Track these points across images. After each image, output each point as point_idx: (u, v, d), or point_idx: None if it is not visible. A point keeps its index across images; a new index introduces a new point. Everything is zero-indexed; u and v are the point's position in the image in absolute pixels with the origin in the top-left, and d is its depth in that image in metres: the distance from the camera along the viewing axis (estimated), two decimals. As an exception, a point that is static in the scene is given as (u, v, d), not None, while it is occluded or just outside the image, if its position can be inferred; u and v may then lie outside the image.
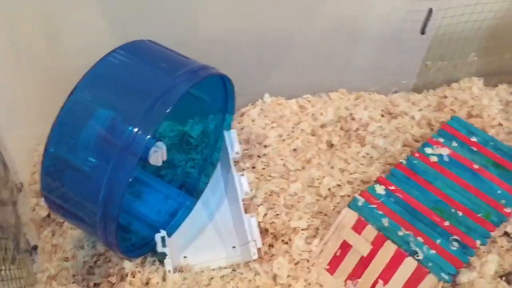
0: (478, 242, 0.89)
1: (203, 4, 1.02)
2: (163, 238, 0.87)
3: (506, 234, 0.96)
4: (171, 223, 0.98)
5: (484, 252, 0.92)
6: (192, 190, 1.04)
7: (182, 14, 1.02)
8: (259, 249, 0.90)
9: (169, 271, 0.86)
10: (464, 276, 0.88)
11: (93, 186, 0.72)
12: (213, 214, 0.99)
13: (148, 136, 0.71)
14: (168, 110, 0.72)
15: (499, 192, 0.97)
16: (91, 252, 0.93)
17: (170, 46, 0.85)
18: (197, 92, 0.96)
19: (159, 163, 0.83)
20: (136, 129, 0.71)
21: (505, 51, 1.29)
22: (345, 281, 0.90)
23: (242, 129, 1.13)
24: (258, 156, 1.08)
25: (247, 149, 1.09)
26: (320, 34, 1.14)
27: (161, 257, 0.88)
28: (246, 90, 1.14)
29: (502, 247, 0.96)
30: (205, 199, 1.01)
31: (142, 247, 0.90)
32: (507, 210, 0.94)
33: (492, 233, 0.92)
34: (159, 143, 0.82)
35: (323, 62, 1.21)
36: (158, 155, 0.82)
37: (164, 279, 0.87)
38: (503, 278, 0.91)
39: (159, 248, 0.87)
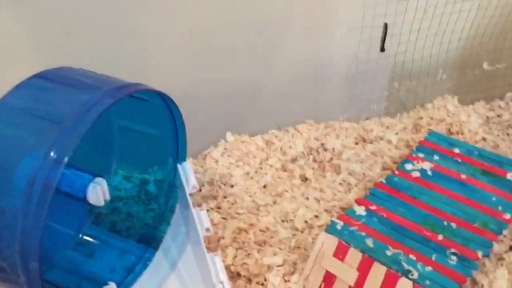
0: (479, 253, 0.77)
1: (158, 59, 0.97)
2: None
3: None
4: (128, 279, 0.85)
5: (491, 269, 0.79)
6: (150, 241, 0.91)
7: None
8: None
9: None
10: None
11: (8, 230, 0.60)
12: (175, 261, 0.86)
13: (65, 161, 0.60)
14: (85, 131, 0.62)
15: (493, 199, 0.86)
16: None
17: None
18: (144, 127, 0.88)
19: (101, 203, 0.72)
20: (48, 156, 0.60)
21: (475, 66, 1.24)
22: (335, 318, 0.76)
23: (205, 172, 1.03)
24: (224, 197, 0.97)
25: (211, 191, 0.98)
26: (283, 77, 1.10)
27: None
28: (206, 131, 1.06)
29: (511, 263, 0.83)
30: (166, 246, 0.88)
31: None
32: (507, 216, 0.83)
33: (495, 245, 0.80)
34: (98, 179, 0.72)
35: (288, 101, 1.15)
36: (97, 191, 0.71)
37: None
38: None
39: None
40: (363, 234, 0.80)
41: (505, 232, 0.82)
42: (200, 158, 1.08)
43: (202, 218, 0.81)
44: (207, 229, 0.80)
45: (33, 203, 0.59)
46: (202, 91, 1.04)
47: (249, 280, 0.83)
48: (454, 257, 0.76)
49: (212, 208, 0.94)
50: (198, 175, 1.02)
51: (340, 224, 0.82)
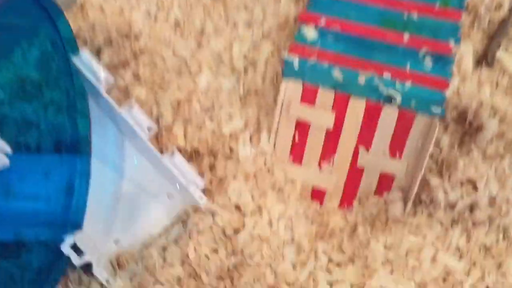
0: (451, 42, 0.68)
1: None
2: (74, 247, 0.61)
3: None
4: (73, 206, 0.70)
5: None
6: (75, 145, 0.73)
7: None
8: (204, 190, 0.66)
9: (107, 281, 0.61)
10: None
11: None
12: (120, 166, 0.71)
13: None
14: None
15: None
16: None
17: None
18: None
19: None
20: None
21: None
22: (319, 165, 0.70)
23: (92, 28, 0.78)
24: (135, 56, 0.76)
25: (116, 55, 0.76)
26: None
27: (87, 268, 0.63)
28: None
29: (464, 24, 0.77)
30: (99, 151, 0.71)
31: (54, 266, 0.63)
32: (464, -18, 0.72)
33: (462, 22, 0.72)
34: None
35: None
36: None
37: (107, 296, 0.63)
38: (483, 63, 0.74)
39: (76, 261, 0.60)
40: (326, 64, 0.67)
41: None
42: (76, 9, 0.80)
43: (138, 117, 0.63)
44: (150, 128, 0.63)
45: None
46: None
47: (213, 154, 0.71)
48: (428, 59, 0.67)
49: (130, 82, 0.74)
50: (87, 35, 0.77)
51: (296, 61, 0.67)
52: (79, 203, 0.70)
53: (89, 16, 0.79)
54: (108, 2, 0.79)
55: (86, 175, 0.71)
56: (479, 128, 0.69)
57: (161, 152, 0.68)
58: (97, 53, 0.77)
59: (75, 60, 0.63)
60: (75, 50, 0.64)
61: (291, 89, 0.67)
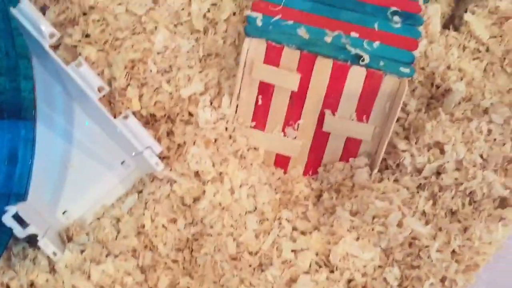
0: (420, 1, 0.65)
1: None
2: (16, 216, 0.55)
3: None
4: (16, 175, 0.64)
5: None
6: (18, 110, 0.66)
7: None
8: (161, 157, 0.62)
9: (53, 253, 0.56)
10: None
11: None
12: (68, 131, 0.65)
13: None
14: None
15: None
16: None
17: None
18: None
19: None
20: None
21: None
22: (283, 130, 0.67)
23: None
24: (84, 14, 0.70)
25: (63, 12, 0.69)
26: None
27: (32, 241, 0.57)
28: None
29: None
30: (45, 116, 0.65)
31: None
32: None
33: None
34: None
35: None
36: None
37: (53, 270, 0.58)
38: (450, 26, 0.72)
39: (19, 233, 0.55)
40: (291, 22, 0.63)
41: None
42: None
43: (86, 76, 0.58)
44: (101, 89, 0.58)
45: None
46: None
47: (170, 119, 0.67)
48: (396, 18, 0.64)
49: (79, 41, 0.67)
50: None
51: (259, 18, 0.63)
52: (23, 172, 0.64)
53: (33, -31, 0.71)
54: (54, -46, 0.72)
55: (30, 142, 0.65)
56: (447, 91, 0.67)
57: (114, 117, 0.63)
58: (42, 10, 0.70)
59: (14, 12, 0.57)
60: (15, 1, 0.57)
61: (253, 48, 0.62)
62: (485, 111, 0.65)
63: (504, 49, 0.70)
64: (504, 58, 0.70)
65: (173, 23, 0.70)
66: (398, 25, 0.64)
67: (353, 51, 0.62)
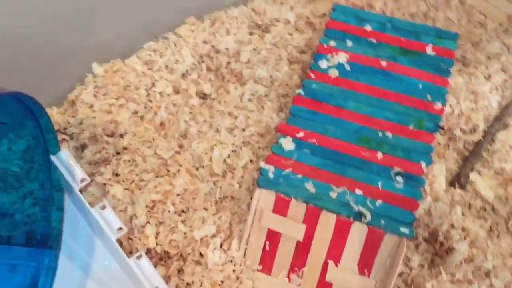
0: (422, 164, 0.70)
1: None
2: None
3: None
4: (35, 302, 0.68)
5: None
6: (46, 239, 0.72)
7: None
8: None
9: None
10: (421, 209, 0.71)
11: None
12: (88, 265, 0.70)
13: None
14: None
15: (420, 86, 0.77)
16: None
17: None
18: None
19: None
20: None
21: None
22: (288, 276, 0.69)
23: (80, 123, 0.81)
24: (117, 153, 0.78)
25: (99, 152, 0.78)
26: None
27: None
28: (61, 66, 0.80)
29: (439, 143, 0.80)
30: (69, 248, 0.71)
31: None
32: (437, 106, 0.75)
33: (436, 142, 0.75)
34: None
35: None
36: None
37: None
38: (456, 184, 0.76)
39: None
40: (300, 176, 0.69)
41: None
42: (67, 104, 0.84)
43: (108, 218, 0.63)
44: (120, 229, 0.63)
45: None
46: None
47: (183, 259, 0.71)
48: (399, 178, 0.69)
49: (109, 179, 0.75)
50: (74, 130, 0.79)
51: (271, 171, 0.69)
52: (40, 300, 0.68)
53: (78, 112, 0.82)
54: (98, 100, 0.83)
55: (52, 271, 0.70)
56: (450, 250, 0.69)
57: (131, 252, 0.67)
58: (82, 148, 0.79)
59: (53, 158, 0.65)
60: (56, 148, 0.65)
61: (264, 198, 0.68)
62: (487, 274, 0.66)
63: (509, 210, 0.72)
64: (509, 219, 0.72)
65: (196, 166, 0.77)
66: (401, 185, 0.68)
67: (356, 208, 0.66)
